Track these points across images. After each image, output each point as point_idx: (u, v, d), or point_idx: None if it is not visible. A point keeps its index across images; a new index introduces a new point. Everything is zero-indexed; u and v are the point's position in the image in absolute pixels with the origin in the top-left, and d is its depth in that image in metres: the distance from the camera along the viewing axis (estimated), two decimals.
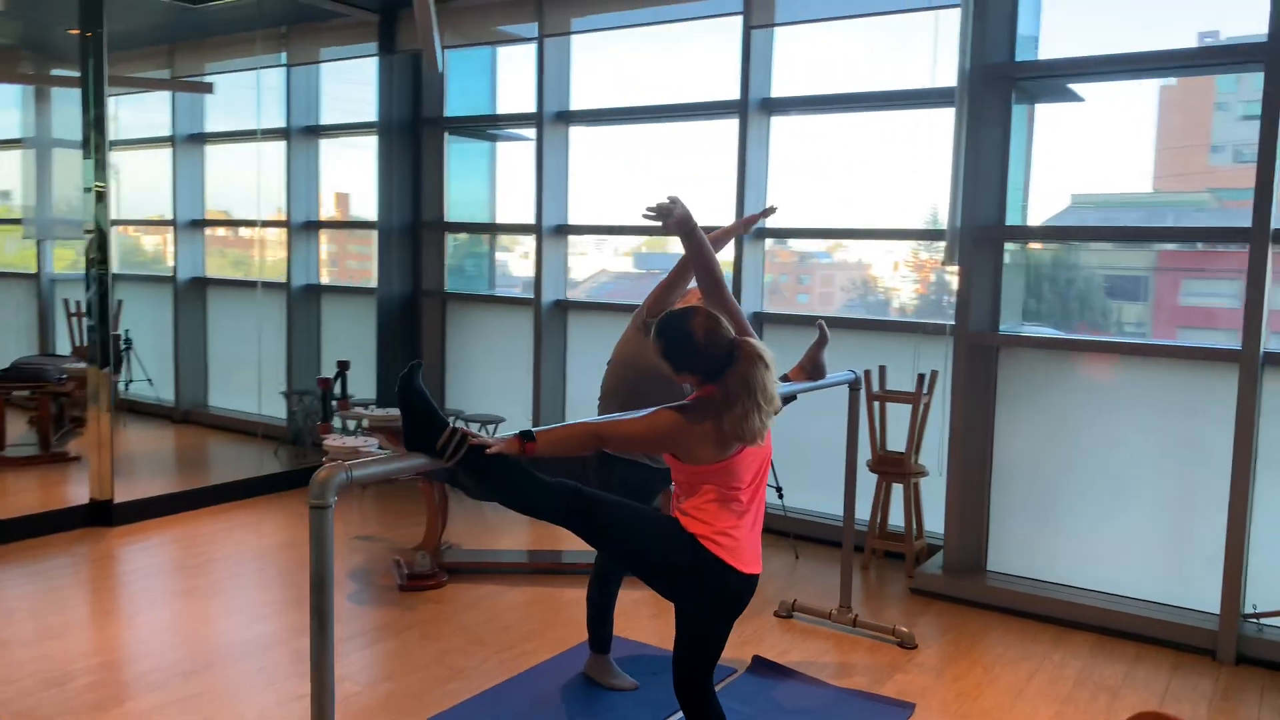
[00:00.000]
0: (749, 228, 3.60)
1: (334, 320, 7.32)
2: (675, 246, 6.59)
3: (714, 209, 5.63)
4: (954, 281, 4.55)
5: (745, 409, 2.36)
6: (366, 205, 7.19)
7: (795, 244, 7.11)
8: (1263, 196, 3.70)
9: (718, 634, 2.56)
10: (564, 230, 6.21)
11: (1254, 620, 3.89)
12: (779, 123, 5.39)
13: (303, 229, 7.17)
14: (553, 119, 6.06)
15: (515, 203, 6.90)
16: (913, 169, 5.13)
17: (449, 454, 2.24)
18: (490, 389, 6.65)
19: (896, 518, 4.99)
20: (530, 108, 6.26)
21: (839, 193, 5.43)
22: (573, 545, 5.10)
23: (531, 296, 6.25)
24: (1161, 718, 3.09)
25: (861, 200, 5.40)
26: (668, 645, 3.87)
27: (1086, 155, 4.75)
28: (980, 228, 4.40)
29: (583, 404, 6.23)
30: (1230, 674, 3.77)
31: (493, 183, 7.08)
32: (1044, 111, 4.66)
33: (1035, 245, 4.69)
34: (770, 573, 4.71)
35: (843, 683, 3.61)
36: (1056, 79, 4.42)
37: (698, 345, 2.43)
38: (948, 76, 4.55)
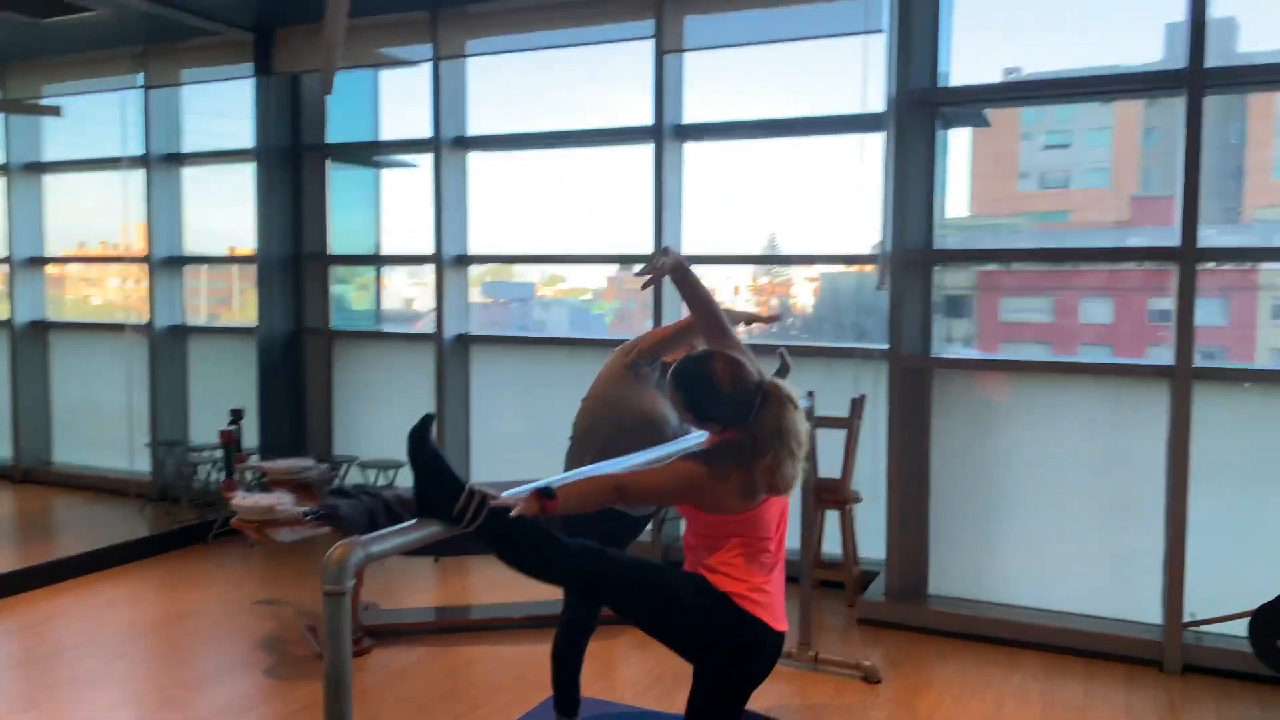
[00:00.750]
0: (750, 323, 3.47)
1: (203, 364, 6.73)
2: (523, 274, 6.47)
3: (628, 237, 5.49)
4: (794, 304, 4.58)
5: (778, 457, 2.19)
6: (235, 238, 6.68)
7: None
8: (1189, 218, 3.83)
9: (744, 698, 2.37)
10: (465, 260, 5.90)
11: (1193, 629, 4.00)
12: (700, 149, 5.29)
13: (165, 264, 6.57)
14: (450, 144, 5.76)
15: (403, 233, 6.55)
16: (835, 194, 5.15)
17: (468, 519, 1.98)
18: (384, 432, 6.23)
19: (827, 545, 4.92)
20: (418, 133, 5.96)
21: (756, 219, 5.39)
22: (486, 599, 4.79)
23: (421, 331, 5.93)
24: None
25: (782, 226, 5.38)
26: (633, 700, 3.64)
27: None
28: (909, 251, 4.41)
29: (488, 444, 5.93)
30: (1181, 684, 3.85)
31: (377, 213, 6.69)
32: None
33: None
34: None
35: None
36: (978, 105, 4.50)
37: (723, 393, 2.25)
38: (876, 102, 4.55)
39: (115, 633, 4.33)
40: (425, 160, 6.27)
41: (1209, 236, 4.03)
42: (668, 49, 5.07)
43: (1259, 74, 3.95)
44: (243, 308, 7.10)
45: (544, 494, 2.09)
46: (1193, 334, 3.86)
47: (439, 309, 5.80)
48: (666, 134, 5.11)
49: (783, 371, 3.38)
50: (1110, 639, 4.08)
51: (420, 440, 2.04)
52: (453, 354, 5.87)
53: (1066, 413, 4.36)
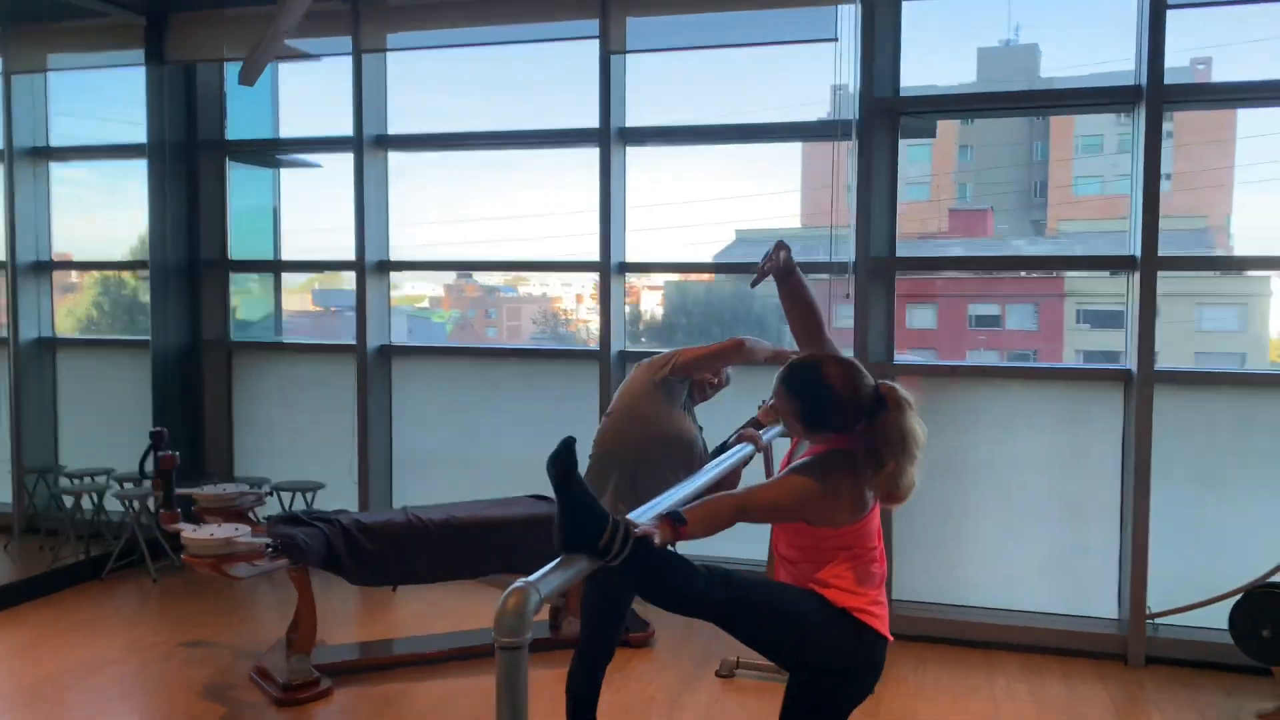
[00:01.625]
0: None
1: (76, 380, 6.06)
2: (352, 282, 6.14)
3: (565, 242, 5.32)
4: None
5: (900, 464, 2.08)
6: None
7: (480, 277, 6.97)
8: (1149, 227, 4.00)
9: (847, 716, 2.24)
10: (387, 266, 5.55)
11: (1149, 622, 4.17)
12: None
13: (31, 270, 5.88)
14: (372, 143, 5.40)
15: (305, 235, 6.13)
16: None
17: (614, 552, 1.78)
18: (293, 452, 5.78)
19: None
20: (320, 130, 5.61)
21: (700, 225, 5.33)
22: (437, 628, 4.48)
23: (341, 342, 5.57)
24: None
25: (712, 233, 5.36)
26: None
27: (748, 195, 5.22)
28: (876, 259, 4.43)
29: (411, 461, 5.59)
30: (1149, 676, 4.00)
31: (276, 215, 6.22)
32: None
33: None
34: (679, 627, 4.42)
35: None
36: (938, 114, 4.57)
37: (843, 400, 2.13)
38: (832, 109, 4.57)
39: (20, 688, 3.79)
40: (330, 160, 5.92)
41: (1018, 247, 4.22)
42: (613, 50, 4.92)
43: (1213, 92, 4.17)
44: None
45: (675, 519, 1.91)
46: (1154, 339, 4.03)
47: (360, 318, 5.42)
48: (613, 137, 4.96)
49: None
50: (1074, 635, 4.22)
51: (568, 469, 1.83)
52: (375, 367, 5.51)
53: (1022, 415, 4.47)
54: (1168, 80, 3.98)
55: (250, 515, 4.35)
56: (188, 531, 3.50)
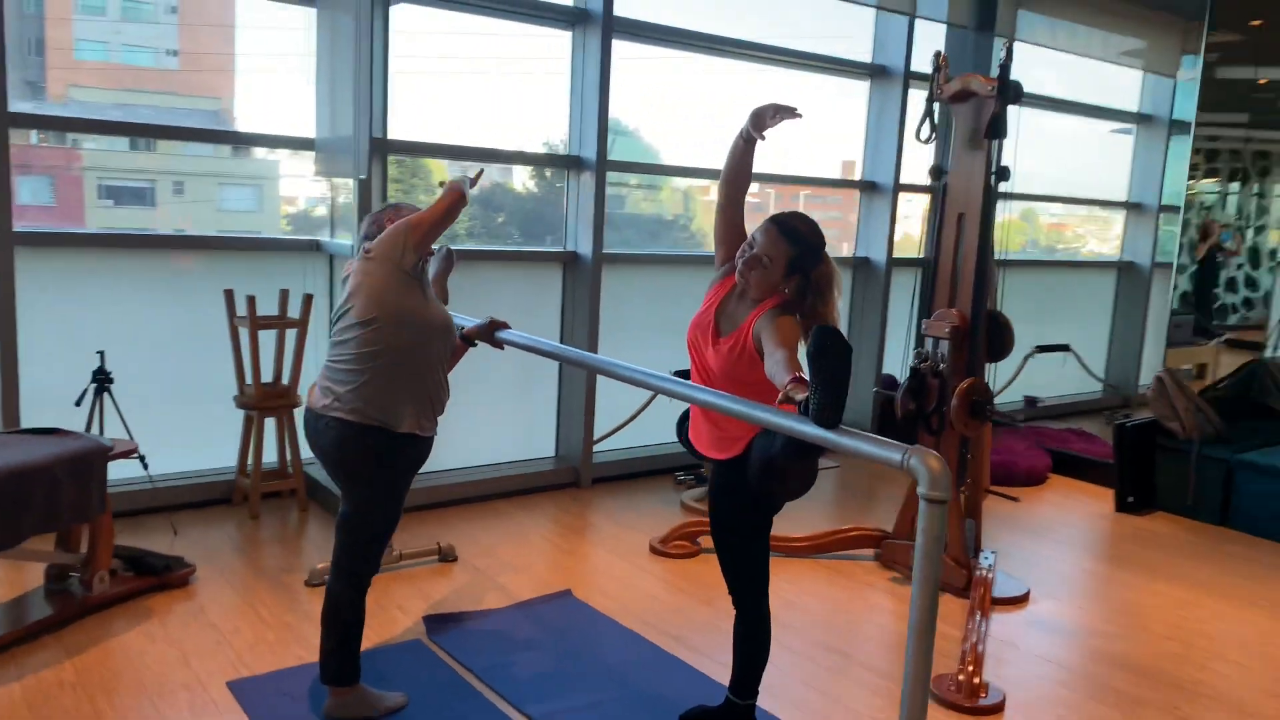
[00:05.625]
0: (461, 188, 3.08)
1: None
2: None
3: None
4: None
5: (835, 300, 2.50)
6: None
7: None
8: (602, 134, 4.77)
9: None
10: None
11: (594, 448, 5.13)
12: None
13: None
14: None
15: None
16: None
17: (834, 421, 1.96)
18: None
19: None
20: None
21: None
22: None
23: None
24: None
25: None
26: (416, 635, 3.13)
27: None
28: (378, 140, 4.33)
29: None
30: (597, 492, 5.04)
31: None
32: None
33: None
34: (222, 558, 3.88)
35: (462, 607, 3.58)
36: None
37: (819, 250, 2.46)
38: None
39: None
40: None
41: (28, 109, 4.39)
42: None
43: (652, 30, 4.95)
44: None
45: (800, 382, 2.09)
46: (603, 226, 4.88)
47: None
48: None
49: (449, 268, 3.23)
50: (549, 474, 5.04)
51: (846, 355, 1.92)
52: None
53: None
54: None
55: None
56: None
